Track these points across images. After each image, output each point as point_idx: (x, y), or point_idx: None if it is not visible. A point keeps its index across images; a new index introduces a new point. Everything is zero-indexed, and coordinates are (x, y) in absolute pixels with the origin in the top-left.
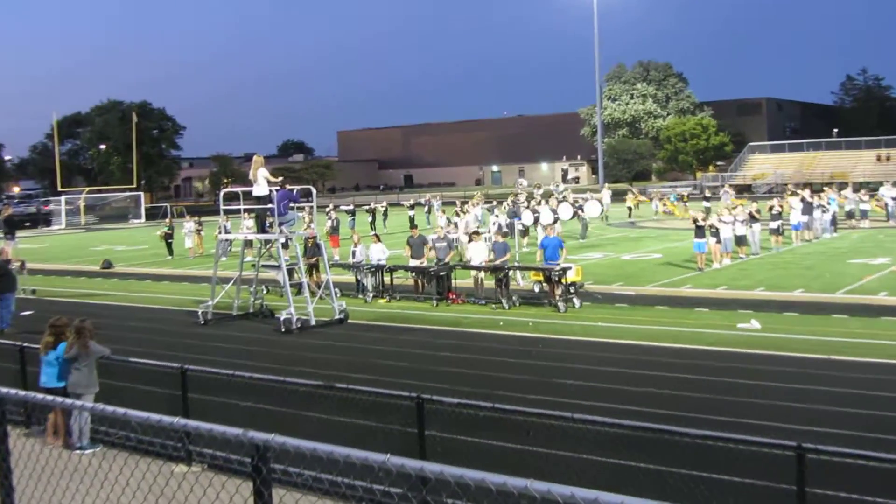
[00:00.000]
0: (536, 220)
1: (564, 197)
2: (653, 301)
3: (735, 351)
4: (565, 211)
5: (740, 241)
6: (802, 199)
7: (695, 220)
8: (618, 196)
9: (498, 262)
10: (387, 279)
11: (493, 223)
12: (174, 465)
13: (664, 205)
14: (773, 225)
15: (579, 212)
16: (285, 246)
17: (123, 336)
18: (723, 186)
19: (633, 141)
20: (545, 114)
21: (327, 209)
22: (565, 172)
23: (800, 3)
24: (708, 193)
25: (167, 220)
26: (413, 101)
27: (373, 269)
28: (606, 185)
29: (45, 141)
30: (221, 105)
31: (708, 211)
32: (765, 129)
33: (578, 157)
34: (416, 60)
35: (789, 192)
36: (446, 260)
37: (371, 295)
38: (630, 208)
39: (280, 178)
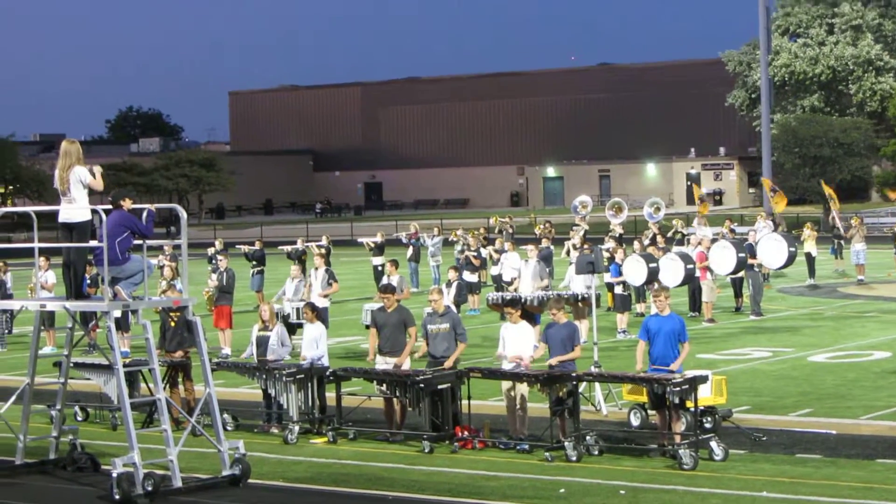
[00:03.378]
0: (652, 278)
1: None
2: (873, 448)
3: None
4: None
5: None
6: None
7: None
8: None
9: (555, 360)
10: (331, 396)
11: (536, 281)
12: None
13: None
14: None
15: (751, 259)
16: (122, 325)
17: None
18: None
19: (832, 119)
20: (655, 62)
21: (210, 252)
22: (692, 180)
23: None
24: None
25: None
26: (391, 40)
27: (300, 376)
28: (763, 213)
29: None
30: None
31: None
32: None
33: (722, 150)
34: None
35: None
36: (449, 358)
37: (297, 429)
38: (810, 257)
39: (117, 189)
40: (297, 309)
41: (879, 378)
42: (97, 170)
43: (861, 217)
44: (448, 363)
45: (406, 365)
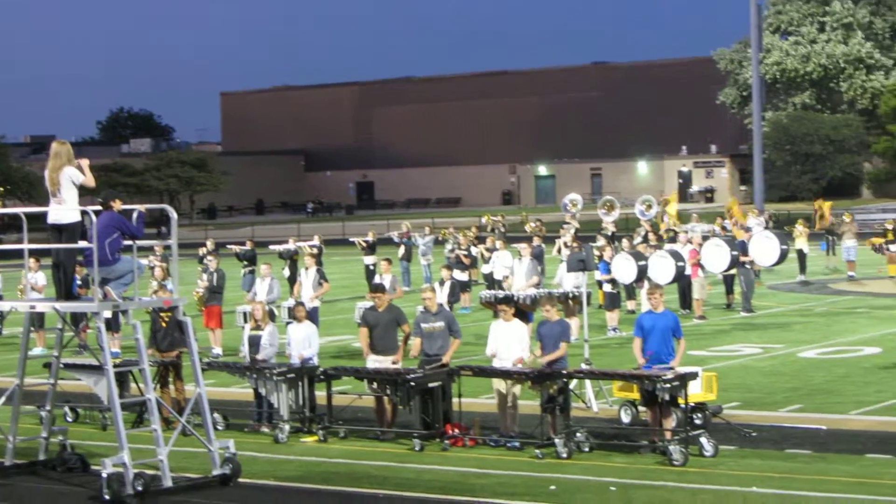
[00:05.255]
0: (641, 275)
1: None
2: (862, 443)
3: None
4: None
5: None
6: None
7: None
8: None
9: (546, 358)
10: (321, 395)
11: (526, 279)
12: None
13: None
14: None
15: (743, 256)
16: (112, 326)
17: None
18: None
19: (823, 117)
20: (646, 61)
21: (202, 252)
22: (685, 177)
23: None
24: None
25: None
26: (382, 40)
27: (290, 376)
28: (754, 209)
29: None
30: None
31: None
32: None
33: (713, 148)
34: None
35: None
36: (446, 354)
37: (288, 428)
38: (802, 253)
39: (107, 190)
40: (289, 308)
41: (869, 374)
42: (84, 163)
43: (852, 213)
44: (445, 359)
45: (400, 361)
